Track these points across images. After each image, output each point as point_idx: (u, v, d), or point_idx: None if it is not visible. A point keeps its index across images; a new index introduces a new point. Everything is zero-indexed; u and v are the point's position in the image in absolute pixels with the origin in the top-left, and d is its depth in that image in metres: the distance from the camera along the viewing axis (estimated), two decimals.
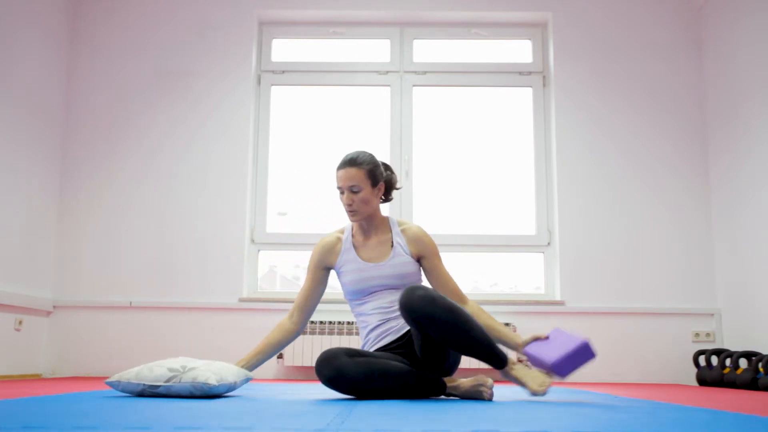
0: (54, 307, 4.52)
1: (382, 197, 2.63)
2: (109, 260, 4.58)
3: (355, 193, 2.51)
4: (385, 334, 2.52)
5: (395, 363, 2.33)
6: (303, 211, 4.84)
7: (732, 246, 4.39)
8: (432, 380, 2.35)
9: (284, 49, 5.00)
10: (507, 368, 2.36)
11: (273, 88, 4.94)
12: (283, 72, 4.93)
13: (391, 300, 2.54)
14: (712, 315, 4.50)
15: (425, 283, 2.69)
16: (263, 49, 4.96)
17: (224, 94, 4.76)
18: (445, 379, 2.40)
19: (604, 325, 4.49)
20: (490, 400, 2.31)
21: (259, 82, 4.91)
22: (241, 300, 4.49)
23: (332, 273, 2.68)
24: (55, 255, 4.58)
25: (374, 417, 1.66)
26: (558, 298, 4.55)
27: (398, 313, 2.45)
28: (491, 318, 2.52)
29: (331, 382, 2.26)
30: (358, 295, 2.58)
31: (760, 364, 3.69)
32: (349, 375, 2.24)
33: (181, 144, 4.70)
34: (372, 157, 2.58)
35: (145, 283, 4.53)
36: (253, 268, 4.67)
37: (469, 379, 2.39)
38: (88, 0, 4.86)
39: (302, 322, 2.62)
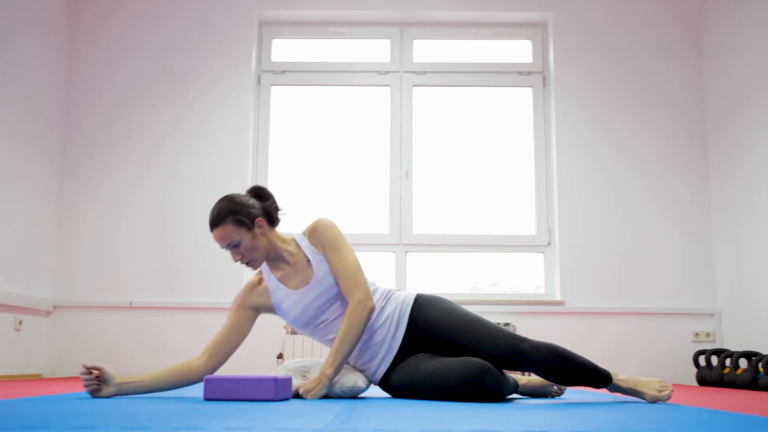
0: (54, 307, 4.52)
1: (271, 226, 2.47)
2: (109, 260, 4.58)
3: (237, 246, 2.36)
4: (384, 348, 2.44)
5: None
6: (303, 211, 4.84)
7: (732, 246, 4.39)
8: (508, 378, 2.39)
9: (284, 49, 5.00)
10: (614, 382, 2.32)
11: (273, 88, 4.94)
12: (283, 72, 4.93)
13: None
14: (712, 315, 4.50)
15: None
16: (263, 49, 4.96)
17: (224, 94, 4.76)
18: (516, 376, 2.46)
19: (604, 325, 4.49)
20: (557, 397, 2.50)
21: (259, 82, 4.91)
22: None
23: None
24: (55, 255, 4.59)
25: (374, 417, 1.66)
26: (558, 298, 4.55)
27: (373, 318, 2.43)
28: (346, 336, 2.30)
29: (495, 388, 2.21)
30: (314, 322, 2.44)
31: (760, 364, 3.69)
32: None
33: (181, 144, 4.71)
34: (232, 201, 2.37)
35: (144, 283, 4.53)
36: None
37: (539, 377, 2.48)
38: (88, 0, 4.86)
39: (212, 366, 2.38)
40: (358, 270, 2.40)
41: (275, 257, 2.46)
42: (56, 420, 1.48)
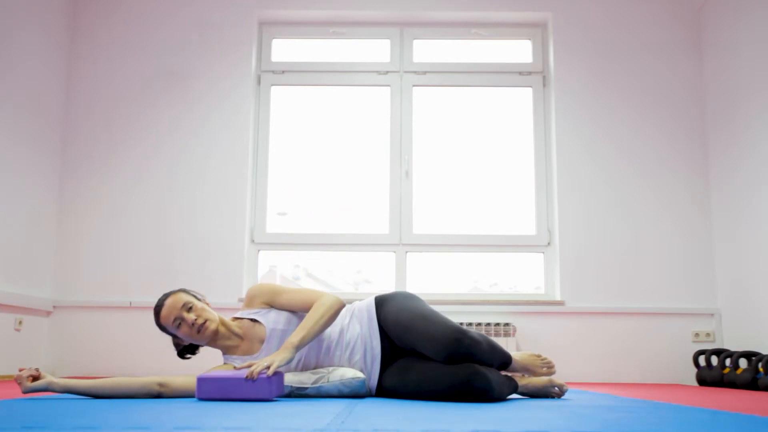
0: (54, 307, 4.52)
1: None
2: (109, 260, 4.58)
3: (191, 309, 2.41)
4: (369, 358, 2.48)
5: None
6: (303, 211, 4.84)
7: (732, 246, 4.39)
8: (509, 379, 2.44)
9: (284, 49, 5.00)
10: (512, 363, 2.47)
11: (273, 88, 4.93)
12: (283, 72, 4.93)
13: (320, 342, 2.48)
14: (712, 315, 4.50)
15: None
16: (263, 49, 4.96)
17: (224, 94, 4.76)
18: (514, 376, 2.52)
19: (604, 325, 4.49)
20: (558, 397, 2.53)
21: (259, 82, 4.91)
22: (241, 300, 4.49)
23: None
24: (55, 255, 4.58)
25: (374, 417, 1.66)
26: (558, 298, 4.55)
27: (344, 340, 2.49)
28: (314, 314, 2.37)
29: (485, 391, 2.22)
30: (290, 365, 2.44)
31: (760, 364, 3.69)
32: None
33: (181, 144, 4.70)
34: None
35: (145, 283, 4.53)
36: (253, 268, 4.67)
37: (542, 378, 2.54)
38: (88, 0, 4.86)
39: (166, 395, 2.30)
40: (312, 291, 2.47)
41: (227, 336, 2.48)
42: (56, 420, 1.48)
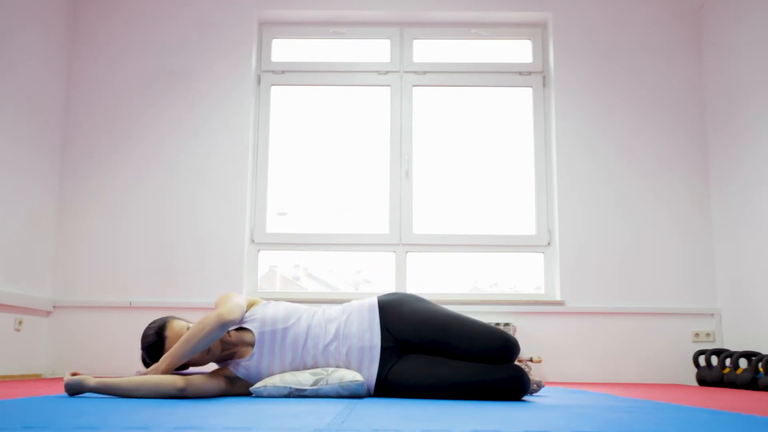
0: (54, 307, 4.52)
1: None
2: (109, 260, 4.58)
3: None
4: (367, 355, 2.46)
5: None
6: (303, 211, 4.84)
7: (732, 246, 4.39)
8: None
9: (284, 49, 5.00)
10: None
11: (273, 88, 4.93)
12: (283, 72, 4.93)
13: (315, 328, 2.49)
14: (712, 315, 4.50)
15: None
16: (263, 49, 4.96)
17: (224, 94, 4.76)
18: None
19: (604, 325, 4.49)
20: (534, 393, 2.62)
21: (259, 82, 4.91)
22: None
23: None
24: (55, 255, 4.58)
25: (374, 417, 1.66)
26: (558, 298, 4.55)
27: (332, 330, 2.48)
28: (191, 330, 2.33)
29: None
30: (287, 356, 2.45)
31: (760, 364, 3.69)
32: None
33: (181, 144, 4.71)
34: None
35: (144, 283, 4.53)
36: (253, 268, 4.67)
37: None
38: (88, 0, 4.86)
39: (189, 396, 2.26)
40: (229, 298, 2.44)
41: (225, 347, 2.48)
42: (56, 420, 1.48)
